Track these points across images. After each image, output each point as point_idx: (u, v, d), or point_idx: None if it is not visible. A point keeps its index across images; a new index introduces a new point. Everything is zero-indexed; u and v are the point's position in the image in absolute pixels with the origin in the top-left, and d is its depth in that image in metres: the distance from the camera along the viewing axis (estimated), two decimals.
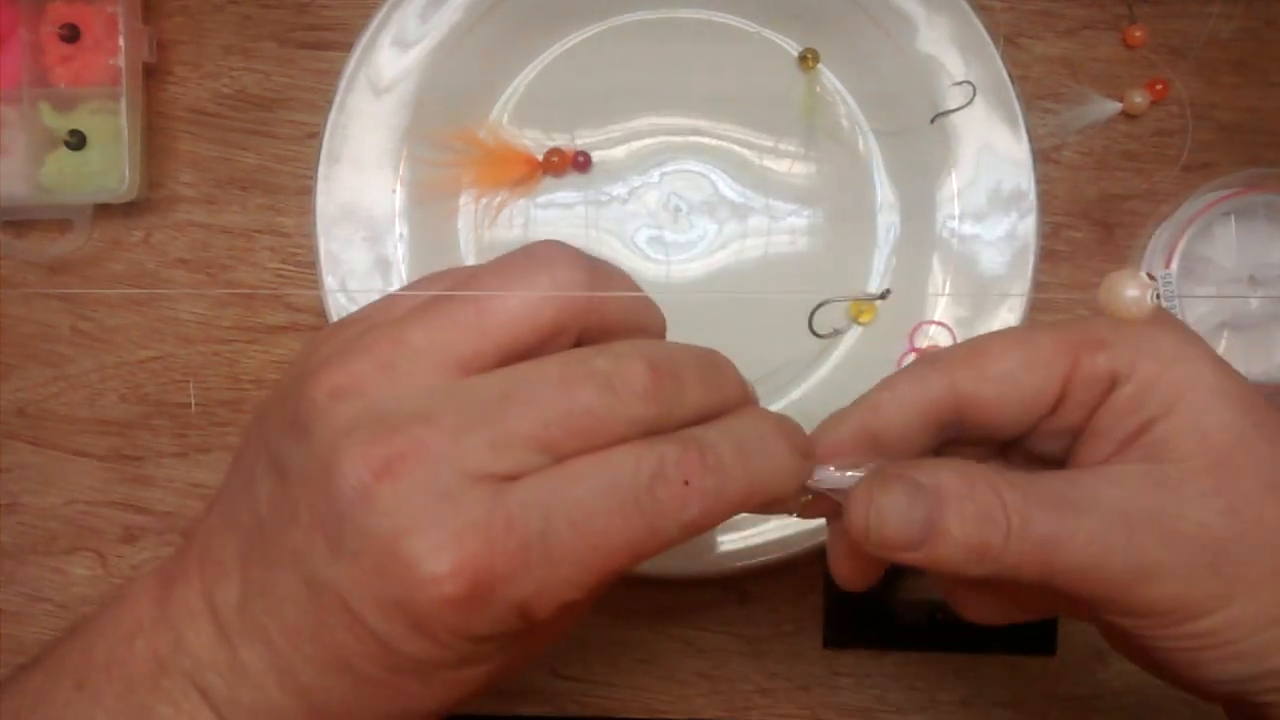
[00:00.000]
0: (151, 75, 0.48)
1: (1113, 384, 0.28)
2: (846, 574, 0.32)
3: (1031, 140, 0.46)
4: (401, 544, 0.23)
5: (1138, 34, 0.48)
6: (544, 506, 0.23)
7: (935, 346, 0.46)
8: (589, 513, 0.23)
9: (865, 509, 0.27)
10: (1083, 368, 0.28)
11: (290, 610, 0.25)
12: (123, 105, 0.46)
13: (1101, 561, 0.26)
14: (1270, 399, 0.45)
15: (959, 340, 0.46)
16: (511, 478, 0.24)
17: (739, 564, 0.45)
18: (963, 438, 0.30)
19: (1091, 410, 0.28)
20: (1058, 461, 0.30)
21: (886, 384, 0.29)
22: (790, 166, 0.48)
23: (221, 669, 0.26)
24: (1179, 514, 0.26)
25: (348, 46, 0.46)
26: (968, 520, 0.26)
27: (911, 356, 0.46)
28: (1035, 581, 0.27)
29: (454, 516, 0.23)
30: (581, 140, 0.48)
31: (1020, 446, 0.31)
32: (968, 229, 0.46)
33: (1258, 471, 0.27)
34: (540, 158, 0.47)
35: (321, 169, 0.46)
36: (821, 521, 0.45)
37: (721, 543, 0.45)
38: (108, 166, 0.46)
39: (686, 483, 0.24)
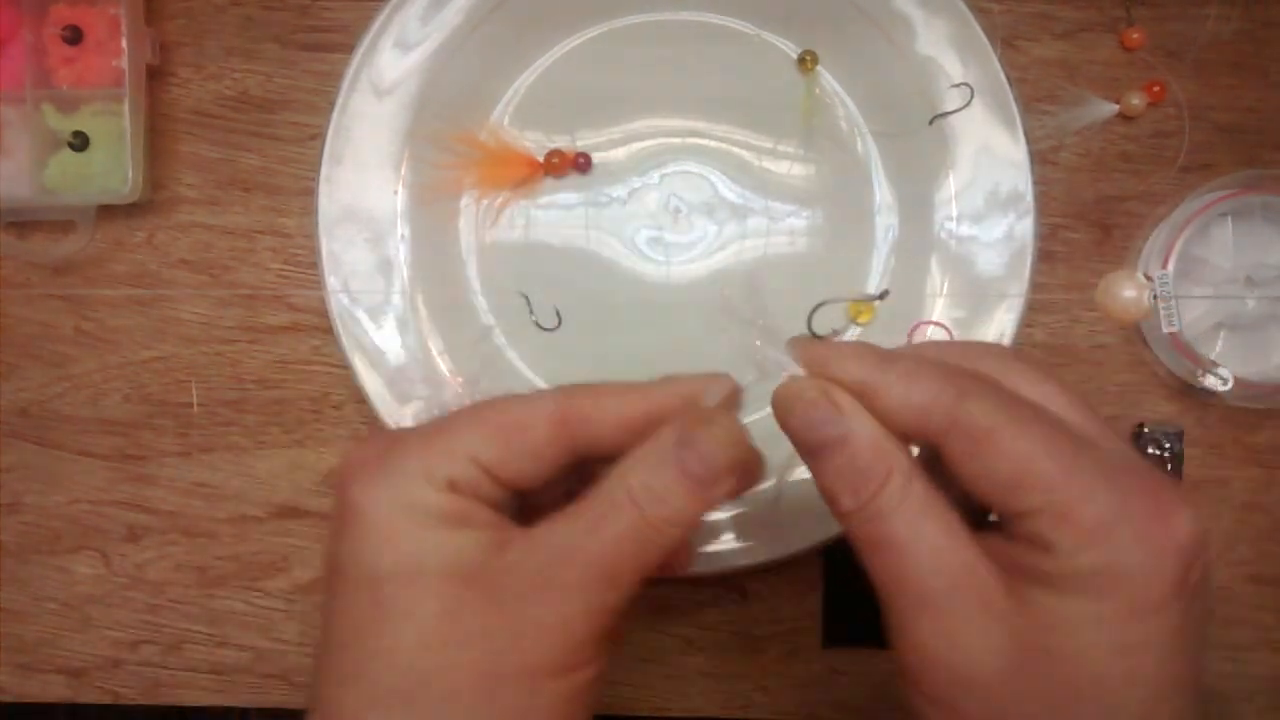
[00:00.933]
0: (154, 77, 0.49)
1: (1044, 545, 0.27)
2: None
3: (1029, 142, 0.46)
4: None
5: (1135, 36, 0.48)
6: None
7: None
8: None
9: (792, 393, 0.30)
10: (1037, 521, 0.27)
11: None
12: (125, 107, 0.46)
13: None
14: (1267, 399, 0.46)
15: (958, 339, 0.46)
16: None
17: (739, 564, 0.45)
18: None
19: (1017, 526, 0.28)
20: None
21: (906, 379, 0.29)
22: (789, 168, 0.48)
23: None
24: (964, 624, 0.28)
25: (349, 48, 0.46)
26: (850, 465, 0.29)
27: None
28: (861, 548, 0.29)
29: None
30: (582, 142, 0.48)
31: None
32: (966, 230, 0.46)
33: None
34: (541, 159, 0.47)
35: (323, 170, 0.46)
36: (814, 522, 0.45)
37: (722, 542, 0.46)
38: (110, 168, 0.47)
39: None
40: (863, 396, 0.29)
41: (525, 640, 0.27)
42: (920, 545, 0.28)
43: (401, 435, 0.30)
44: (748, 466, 0.31)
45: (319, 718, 0.28)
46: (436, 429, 0.30)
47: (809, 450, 0.29)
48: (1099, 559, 0.26)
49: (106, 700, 0.49)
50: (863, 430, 0.29)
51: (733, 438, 0.30)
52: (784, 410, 0.29)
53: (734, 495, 0.31)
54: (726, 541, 0.45)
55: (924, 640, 0.28)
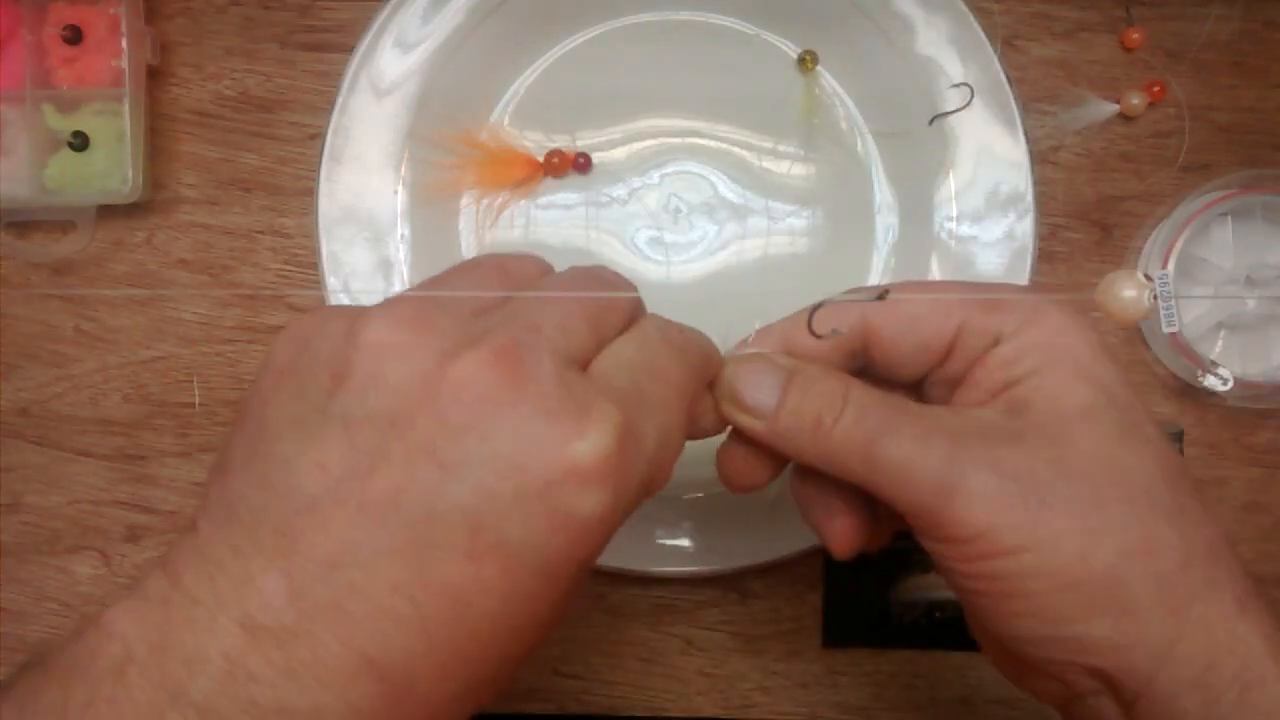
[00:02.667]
0: (154, 77, 0.49)
1: (995, 342, 0.30)
2: (731, 468, 0.33)
3: (1029, 142, 0.46)
4: (540, 425, 0.24)
5: (1135, 36, 0.48)
6: (626, 369, 0.27)
7: None
8: (654, 362, 0.28)
9: (727, 368, 0.31)
10: (973, 322, 0.30)
11: (384, 568, 0.23)
12: (125, 106, 0.46)
13: (917, 465, 0.28)
14: (1267, 399, 0.46)
15: None
16: (581, 360, 0.27)
17: (739, 564, 0.45)
18: (870, 372, 0.32)
19: (970, 362, 0.30)
20: None
21: (817, 306, 0.31)
22: (789, 168, 0.48)
23: (268, 678, 0.23)
24: (1006, 453, 0.28)
25: (349, 48, 0.46)
26: (809, 395, 0.29)
27: None
28: (858, 476, 0.29)
29: (576, 391, 0.25)
30: (582, 142, 0.48)
31: (919, 394, 0.33)
32: (966, 230, 0.46)
33: (1093, 440, 0.28)
34: (541, 159, 0.47)
35: (323, 170, 0.46)
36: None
37: (721, 542, 0.46)
38: (110, 167, 0.47)
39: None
40: (788, 345, 0.31)
41: (570, 451, 0.26)
42: (905, 424, 0.29)
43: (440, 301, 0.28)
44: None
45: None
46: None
47: (766, 408, 0.30)
48: (1037, 327, 0.29)
49: None
50: (805, 366, 0.30)
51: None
52: (727, 387, 0.31)
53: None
54: (726, 541, 0.46)
55: (968, 517, 0.27)
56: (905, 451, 0.28)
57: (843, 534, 0.32)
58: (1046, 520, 0.27)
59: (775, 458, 0.32)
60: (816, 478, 0.32)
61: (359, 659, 0.23)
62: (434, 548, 0.23)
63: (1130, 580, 0.27)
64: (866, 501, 0.32)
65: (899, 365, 0.31)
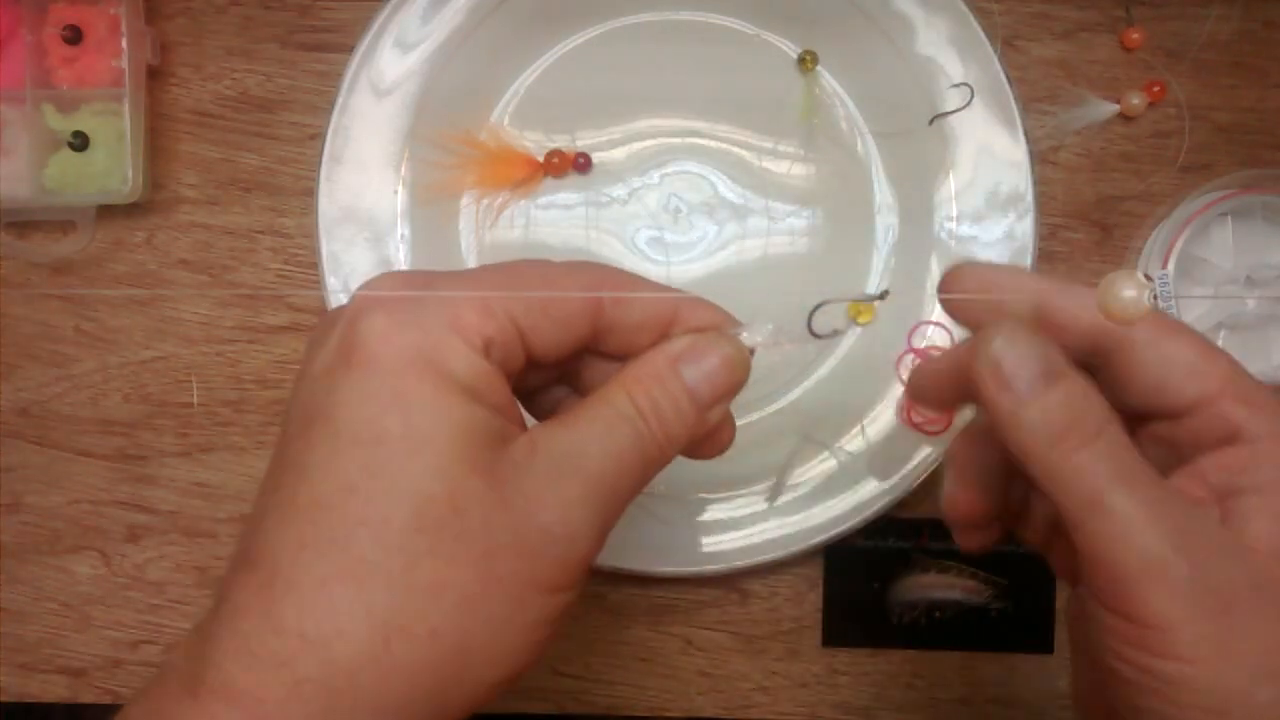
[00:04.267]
0: (154, 77, 0.49)
1: (1231, 438, 0.28)
2: (962, 502, 0.32)
3: (1029, 142, 0.46)
4: None
5: (1135, 36, 0.48)
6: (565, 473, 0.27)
7: (934, 348, 0.46)
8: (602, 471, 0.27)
9: (1000, 336, 0.27)
10: (1221, 404, 0.28)
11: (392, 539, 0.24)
12: (125, 107, 0.46)
13: (1138, 530, 0.26)
14: None
15: (958, 340, 0.46)
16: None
17: (739, 564, 0.45)
18: (1091, 371, 0.30)
19: (1199, 441, 0.28)
20: None
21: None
22: (789, 168, 0.48)
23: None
24: (1218, 564, 0.26)
25: (349, 48, 0.46)
26: (1071, 406, 0.27)
27: (910, 357, 0.46)
28: (1071, 507, 0.27)
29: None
30: (582, 142, 0.48)
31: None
32: (966, 230, 0.46)
33: None
34: (541, 159, 0.47)
35: (323, 170, 0.46)
36: (814, 522, 0.45)
37: (721, 542, 0.46)
38: (110, 168, 0.47)
39: None
40: (1041, 319, 0.29)
41: (527, 547, 0.25)
42: (1147, 489, 0.27)
43: (432, 277, 0.27)
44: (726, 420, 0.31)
45: (263, 577, 0.25)
46: (474, 278, 0.27)
47: (1021, 391, 0.27)
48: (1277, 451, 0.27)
49: (106, 700, 0.49)
50: (1074, 372, 0.28)
51: (738, 361, 0.29)
52: (995, 358, 0.27)
53: (709, 449, 0.31)
54: (726, 541, 0.46)
55: (1161, 609, 0.26)
56: (1134, 512, 0.26)
57: (978, 514, 0.32)
58: (1230, 646, 0.26)
59: (957, 399, 0.31)
60: (988, 450, 0.31)
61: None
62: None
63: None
64: (1017, 502, 0.31)
65: (1129, 391, 0.29)
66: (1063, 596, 0.48)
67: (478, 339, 0.26)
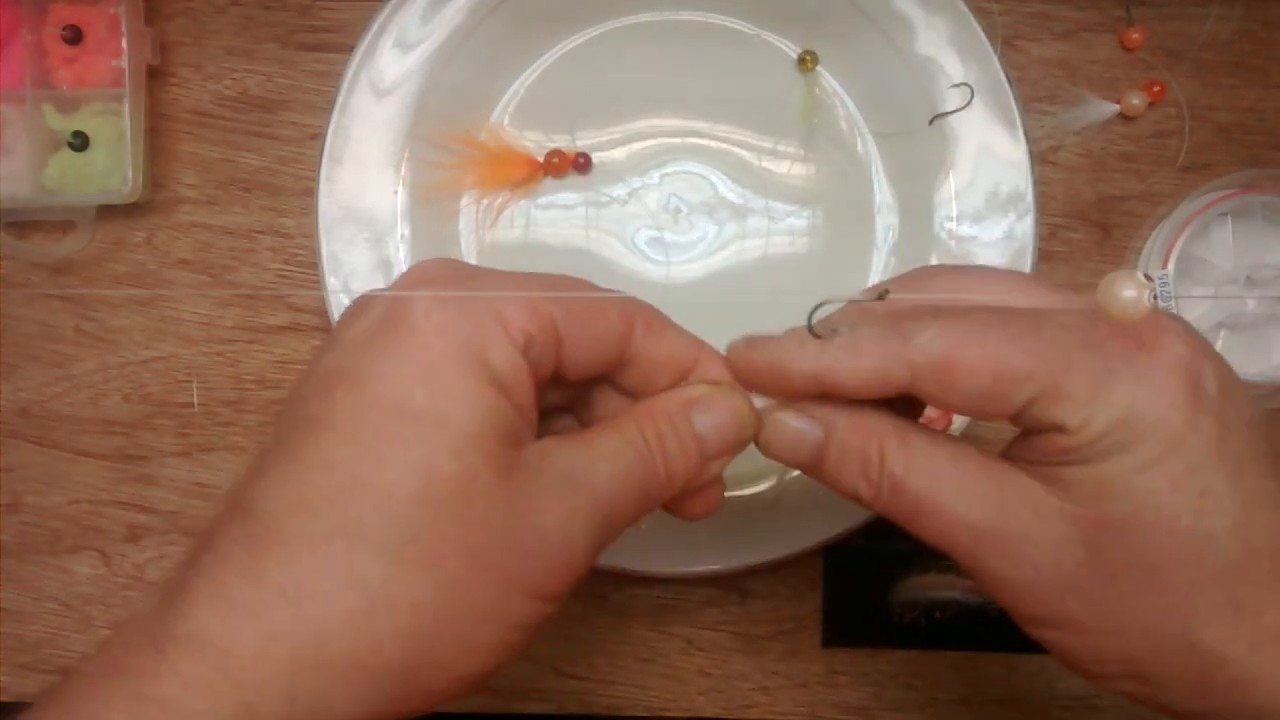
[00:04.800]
0: (154, 77, 0.49)
1: (1057, 428, 0.27)
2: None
3: (1029, 142, 0.46)
4: None
5: (1135, 36, 0.48)
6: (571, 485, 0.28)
7: None
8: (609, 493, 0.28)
9: (767, 429, 0.30)
10: (1035, 409, 0.27)
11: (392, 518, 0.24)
12: (125, 107, 0.46)
13: (965, 525, 0.28)
14: (1267, 399, 0.46)
15: None
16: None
17: (739, 564, 0.45)
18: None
19: (1023, 423, 0.28)
20: None
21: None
22: (789, 168, 0.48)
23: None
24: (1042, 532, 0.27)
25: (349, 48, 0.46)
26: (846, 459, 0.29)
27: None
28: (905, 523, 0.29)
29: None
30: (582, 142, 0.48)
31: None
32: (966, 230, 0.46)
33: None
34: (541, 159, 0.47)
35: (323, 170, 0.46)
36: (814, 522, 0.45)
37: (721, 542, 0.46)
38: (110, 168, 0.47)
39: None
40: (819, 385, 0.29)
41: (525, 547, 0.25)
42: (946, 489, 0.28)
43: (483, 270, 0.28)
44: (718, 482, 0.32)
45: (254, 529, 0.24)
46: (523, 277, 0.27)
47: (808, 467, 0.30)
48: (1109, 414, 0.26)
49: None
50: (838, 421, 0.29)
51: (747, 418, 0.30)
52: (765, 446, 0.30)
53: (697, 510, 0.31)
54: (727, 541, 0.46)
55: (1001, 573, 0.28)
56: (951, 518, 0.28)
57: None
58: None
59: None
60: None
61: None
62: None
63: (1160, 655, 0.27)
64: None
65: (950, 410, 0.31)
66: None
67: (520, 335, 0.26)
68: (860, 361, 0.28)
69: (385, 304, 0.26)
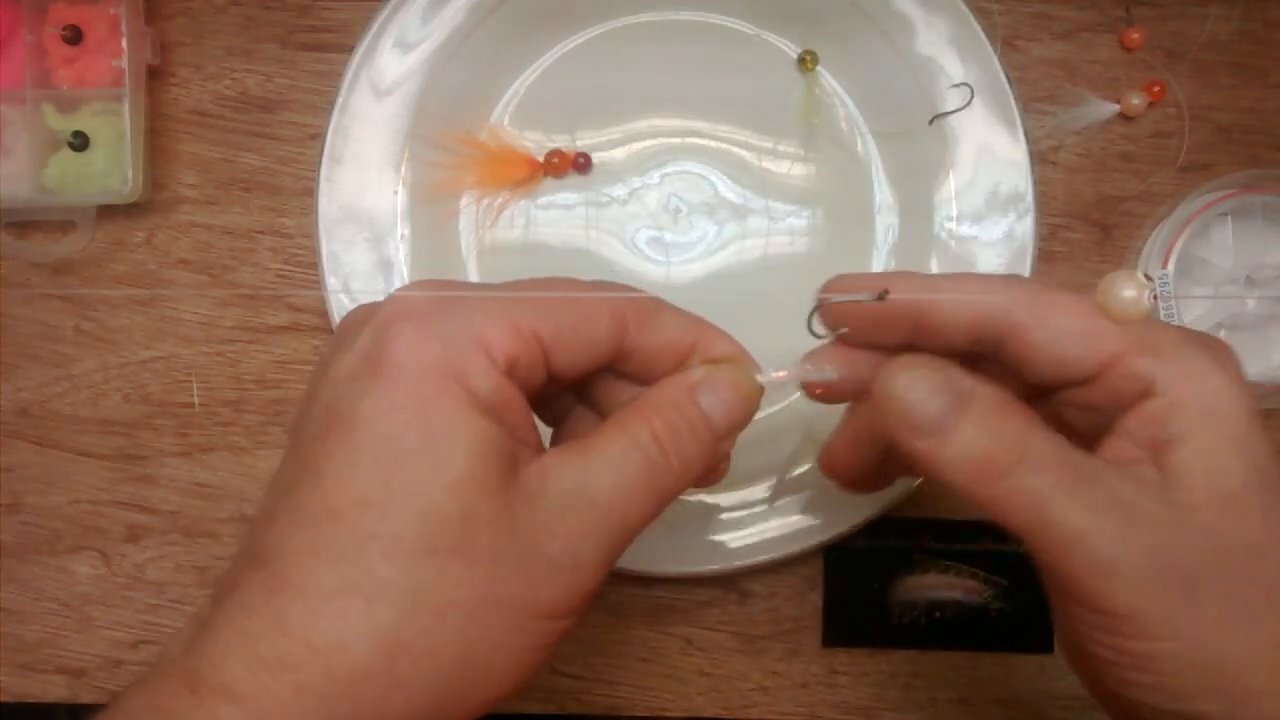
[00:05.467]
0: (154, 77, 0.49)
1: (1146, 391, 0.28)
2: (840, 460, 0.33)
3: (1029, 142, 0.46)
4: None
5: (1135, 36, 0.48)
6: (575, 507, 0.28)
7: None
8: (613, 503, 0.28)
9: (900, 377, 0.28)
10: (1126, 362, 0.28)
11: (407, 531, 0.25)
12: (125, 107, 0.46)
13: (1089, 540, 0.26)
14: (1267, 399, 0.46)
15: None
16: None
17: (739, 564, 0.45)
18: (989, 358, 0.30)
19: (1117, 401, 0.28)
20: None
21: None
22: (789, 168, 0.48)
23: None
24: (1168, 540, 0.27)
25: (349, 48, 0.46)
26: (985, 431, 0.27)
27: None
28: (1015, 527, 0.27)
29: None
30: (582, 142, 0.48)
31: (1047, 404, 0.31)
32: (966, 230, 0.46)
33: (1244, 528, 0.27)
34: (541, 159, 0.47)
35: (323, 170, 0.46)
36: (814, 522, 0.45)
37: (721, 542, 0.46)
38: (110, 168, 0.47)
39: None
40: (926, 318, 0.29)
41: (531, 575, 0.26)
42: (1082, 493, 0.27)
43: (462, 290, 0.27)
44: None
45: (271, 579, 0.25)
46: (504, 295, 0.27)
47: (932, 428, 0.28)
48: (1195, 386, 0.27)
49: (106, 700, 0.48)
50: (980, 388, 0.28)
51: (751, 391, 0.30)
52: (898, 405, 0.28)
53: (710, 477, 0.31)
54: (727, 541, 0.46)
55: (1125, 600, 0.27)
56: (1080, 523, 0.26)
57: (852, 471, 0.33)
58: (1197, 616, 0.27)
59: (874, 460, 0.32)
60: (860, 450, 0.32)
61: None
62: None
63: (1258, 670, 0.27)
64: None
65: (1032, 371, 0.29)
66: None
67: (502, 358, 0.26)
68: (960, 289, 0.29)
69: (368, 337, 0.26)
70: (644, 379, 0.30)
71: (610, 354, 0.29)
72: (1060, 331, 0.28)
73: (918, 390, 0.27)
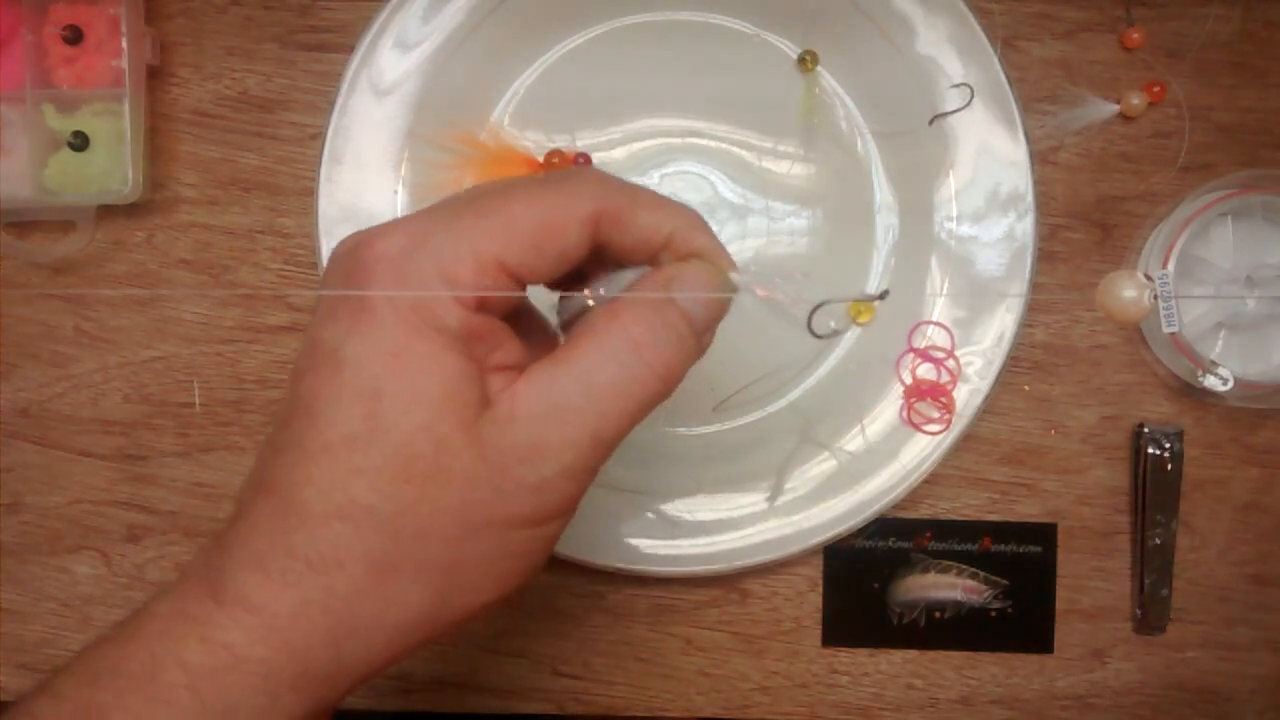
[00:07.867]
0: (154, 77, 0.49)
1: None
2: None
3: (1029, 142, 0.46)
4: None
5: (1135, 36, 0.48)
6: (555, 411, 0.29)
7: (934, 347, 0.46)
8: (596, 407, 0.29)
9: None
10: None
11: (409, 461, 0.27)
12: (125, 107, 0.46)
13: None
14: (1267, 399, 0.46)
15: (957, 341, 0.46)
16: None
17: (739, 564, 0.45)
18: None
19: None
20: None
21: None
22: (789, 168, 0.48)
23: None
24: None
25: (349, 48, 0.46)
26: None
27: (910, 357, 0.46)
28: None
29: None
30: (582, 142, 0.48)
31: None
32: (966, 230, 0.46)
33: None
34: (541, 159, 0.47)
35: (323, 170, 0.46)
36: (814, 522, 0.45)
37: (721, 542, 0.46)
38: (110, 168, 0.47)
39: None
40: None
41: (505, 496, 0.28)
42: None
43: (430, 228, 0.28)
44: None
45: (276, 505, 0.27)
46: (470, 223, 0.28)
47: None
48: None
49: None
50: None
51: (723, 283, 0.31)
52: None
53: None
54: (726, 541, 0.46)
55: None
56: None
57: None
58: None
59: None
60: None
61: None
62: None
63: None
64: None
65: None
66: (1063, 597, 0.48)
67: (469, 296, 0.28)
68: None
69: (345, 278, 0.28)
70: (629, 264, 0.31)
71: (586, 255, 0.30)
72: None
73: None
